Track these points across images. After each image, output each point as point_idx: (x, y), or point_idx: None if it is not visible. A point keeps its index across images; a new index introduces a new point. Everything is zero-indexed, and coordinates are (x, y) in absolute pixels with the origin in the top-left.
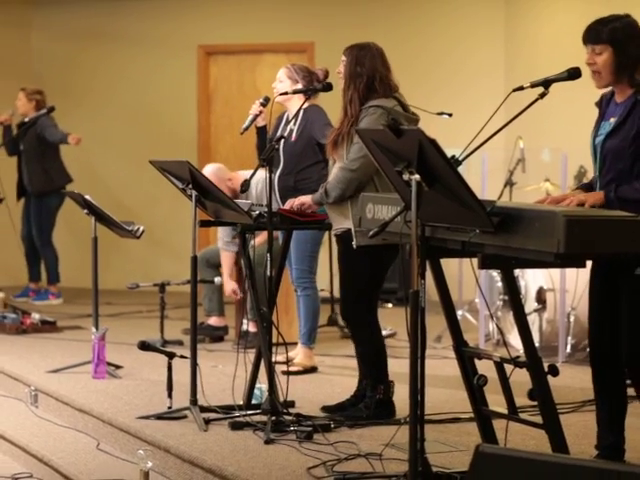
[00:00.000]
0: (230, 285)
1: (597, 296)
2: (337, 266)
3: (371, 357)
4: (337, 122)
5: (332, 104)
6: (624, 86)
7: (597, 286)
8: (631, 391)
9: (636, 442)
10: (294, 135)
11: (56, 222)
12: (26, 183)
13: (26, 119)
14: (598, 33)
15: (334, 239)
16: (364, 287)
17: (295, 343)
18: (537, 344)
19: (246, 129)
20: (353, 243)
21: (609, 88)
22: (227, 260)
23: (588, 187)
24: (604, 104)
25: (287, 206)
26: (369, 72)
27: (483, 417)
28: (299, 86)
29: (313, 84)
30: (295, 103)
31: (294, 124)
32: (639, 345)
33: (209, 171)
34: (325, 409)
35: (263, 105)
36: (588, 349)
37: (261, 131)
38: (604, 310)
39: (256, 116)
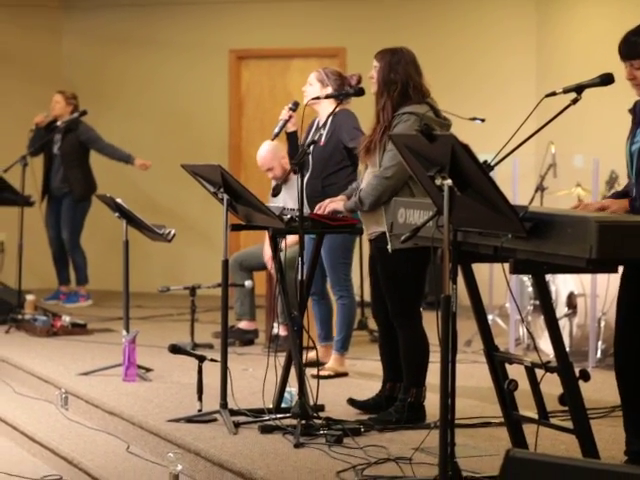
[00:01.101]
0: (268, 252)
1: (625, 303)
2: (368, 270)
3: (415, 359)
4: (369, 129)
5: (363, 109)
6: None
7: (625, 294)
8: None
9: None
10: (323, 139)
11: (88, 226)
12: (56, 186)
13: (58, 122)
14: (635, 46)
15: (365, 243)
16: (407, 288)
17: (313, 347)
18: (567, 349)
19: (277, 135)
20: (388, 247)
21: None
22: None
23: (621, 195)
24: (638, 110)
25: (319, 210)
26: (403, 79)
27: (513, 422)
28: (329, 90)
29: (344, 89)
30: (325, 108)
31: (324, 129)
32: None
33: (267, 146)
34: (351, 402)
35: (292, 110)
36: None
37: (291, 137)
38: (631, 318)
39: (286, 121)
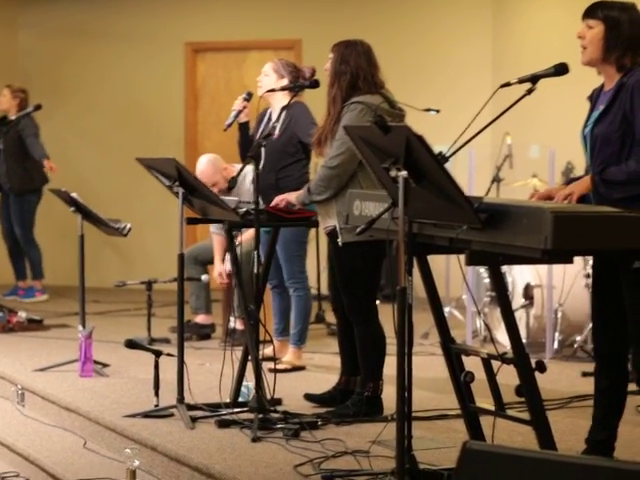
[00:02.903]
0: (219, 268)
1: (598, 291)
2: (327, 263)
3: (371, 352)
4: (321, 120)
5: (319, 101)
6: (611, 70)
7: (598, 281)
8: (631, 386)
9: (626, 438)
10: (277, 132)
11: (42, 220)
12: (3, 181)
13: (12, 117)
14: (595, 9)
15: (322, 236)
16: (362, 283)
17: (270, 341)
18: (524, 340)
19: (229, 125)
20: (338, 240)
21: (590, 81)
22: (218, 244)
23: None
24: (594, 97)
25: (274, 203)
26: (353, 70)
27: (470, 414)
28: (285, 81)
29: (299, 81)
30: (279, 99)
31: (277, 121)
32: None
33: (205, 160)
34: (308, 397)
35: (246, 100)
36: (577, 345)
37: (243, 127)
38: (605, 306)
39: (239, 112)
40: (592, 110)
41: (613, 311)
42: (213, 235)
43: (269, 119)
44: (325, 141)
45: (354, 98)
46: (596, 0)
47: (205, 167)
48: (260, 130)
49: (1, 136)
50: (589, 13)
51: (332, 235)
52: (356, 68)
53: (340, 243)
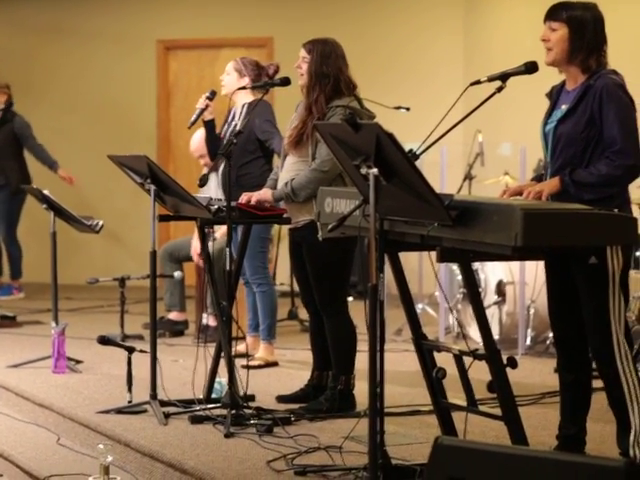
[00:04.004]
0: (196, 246)
1: (554, 289)
2: (290, 259)
3: (342, 347)
4: (298, 119)
5: (285, 97)
6: (575, 71)
7: (553, 279)
8: (597, 382)
9: (597, 433)
10: (238, 129)
11: None
12: None
13: None
14: (558, 11)
15: (291, 232)
16: (334, 277)
17: (243, 337)
18: (497, 337)
19: (193, 123)
20: (319, 235)
21: (559, 79)
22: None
23: (541, 178)
24: (554, 94)
25: (244, 199)
26: (335, 73)
27: (442, 409)
28: (246, 79)
29: (262, 78)
30: (242, 97)
31: (238, 118)
32: (601, 336)
33: (200, 136)
34: (280, 398)
35: (209, 99)
36: (549, 341)
37: (209, 125)
38: (563, 302)
39: (202, 110)
40: (553, 108)
41: (570, 307)
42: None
43: (233, 117)
44: (305, 141)
45: (338, 101)
46: (557, 1)
47: (199, 140)
48: (225, 128)
49: None
50: (552, 15)
51: (304, 229)
52: (337, 71)
53: (320, 238)
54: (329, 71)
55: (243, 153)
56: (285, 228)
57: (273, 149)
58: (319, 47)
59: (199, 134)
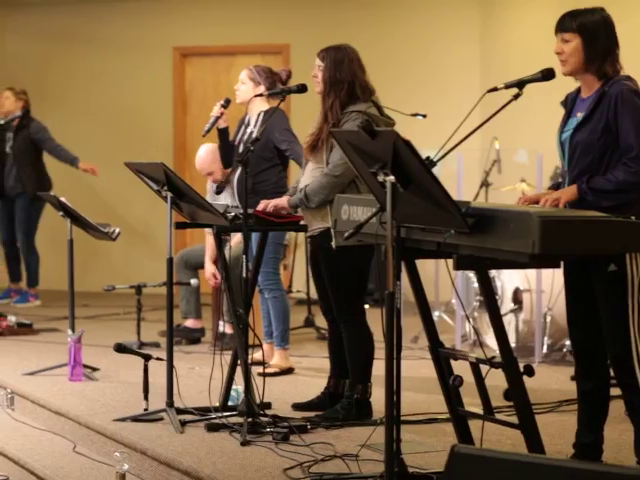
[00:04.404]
0: (210, 269)
1: (573, 296)
2: (310, 267)
3: (360, 355)
4: (315, 126)
5: (303, 104)
6: (591, 78)
7: (571, 286)
8: (614, 390)
9: (614, 442)
10: (254, 136)
11: None
12: (10, 186)
13: (2, 121)
14: (568, 22)
15: (309, 240)
16: (352, 285)
17: (259, 345)
18: (513, 344)
19: (208, 131)
20: (332, 243)
21: (575, 85)
22: (211, 243)
23: (559, 186)
24: (569, 102)
25: (261, 207)
26: (349, 78)
27: (459, 417)
28: (261, 87)
29: (276, 85)
30: (257, 105)
31: (254, 126)
32: (620, 344)
33: (205, 149)
34: (296, 406)
35: (224, 107)
36: (566, 349)
37: (223, 133)
38: (581, 309)
39: (217, 118)
40: (569, 116)
41: (588, 314)
42: (207, 235)
43: (247, 124)
44: (321, 147)
45: (353, 107)
46: (565, 13)
47: (205, 155)
48: (239, 135)
49: (7, 140)
50: (562, 26)
51: (321, 238)
52: (352, 76)
53: (334, 246)
54: (343, 77)
55: (260, 161)
56: (301, 235)
57: (290, 156)
58: (332, 54)
59: (204, 150)
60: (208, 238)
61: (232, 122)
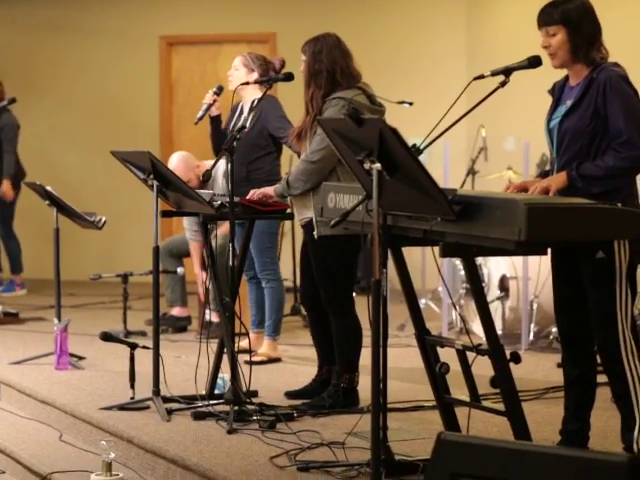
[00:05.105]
0: (202, 276)
1: (560, 283)
2: (300, 255)
3: (347, 344)
4: (299, 119)
5: (291, 94)
6: (580, 67)
7: (559, 273)
8: (601, 377)
9: (601, 428)
10: (248, 125)
11: (18, 214)
12: None
13: None
14: (551, 14)
15: (298, 228)
16: (338, 274)
17: (245, 333)
18: (500, 332)
19: (200, 119)
20: (314, 233)
21: (563, 74)
22: (196, 250)
23: (547, 174)
24: (557, 90)
25: (249, 196)
26: (328, 66)
27: (445, 405)
28: (255, 75)
29: (269, 73)
30: (251, 93)
31: (248, 114)
32: (607, 331)
33: (177, 158)
34: (289, 395)
35: (216, 94)
36: (552, 336)
37: (215, 121)
38: (569, 297)
39: (210, 105)
40: (557, 104)
41: (576, 301)
42: (190, 242)
43: (241, 112)
44: (304, 136)
45: (335, 94)
46: (545, 5)
47: (177, 164)
48: (232, 123)
49: None
50: (545, 20)
51: (308, 227)
52: (331, 63)
53: (316, 236)
54: (321, 67)
55: (254, 148)
56: (288, 224)
57: (286, 144)
58: (311, 46)
59: (175, 160)
60: (192, 245)
61: (223, 110)
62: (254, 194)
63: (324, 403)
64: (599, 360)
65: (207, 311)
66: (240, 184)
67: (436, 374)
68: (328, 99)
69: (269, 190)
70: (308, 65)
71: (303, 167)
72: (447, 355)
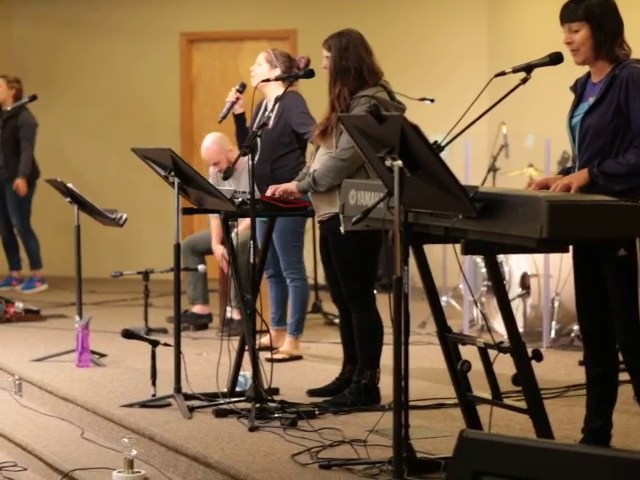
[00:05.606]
0: (219, 250)
1: (582, 281)
2: (320, 253)
3: (368, 341)
4: (322, 116)
5: (313, 91)
6: (603, 63)
7: (581, 271)
8: (622, 375)
9: (622, 427)
10: (271, 122)
11: (39, 211)
12: None
13: (9, 107)
14: (573, 11)
15: (318, 226)
16: (361, 270)
17: (266, 330)
18: (521, 329)
19: (224, 117)
20: (341, 228)
21: (584, 70)
22: (216, 225)
23: (569, 171)
24: (579, 87)
25: (269, 192)
26: (356, 64)
27: (467, 403)
28: (277, 71)
29: (292, 71)
30: (273, 90)
31: (271, 111)
32: (630, 329)
33: (211, 139)
34: (311, 393)
35: (239, 92)
36: (574, 334)
37: (239, 118)
38: (591, 295)
39: (233, 103)
40: (579, 101)
41: (597, 299)
42: (212, 218)
43: (264, 110)
44: (330, 132)
45: (363, 92)
46: (568, 1)
47: (210, 145)
48: (256, 121)
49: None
50: (568, 16)
51: (330, 223)
52: (358, 61)
53: (342, 231)
54: (349, 64)
55: (278, 146)
56: (309, 221)
57: (309, 140)
58: (336, 42)
59: (210, 139)
60: (213, 221)
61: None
62: (275, 190)
63: (345, 401)
64: (621, 358)
65: (228, 308)
66: (264, 181)
67: (458, 372)
68: (355, 97)
69: (291, 186)
70: (334, 62)
71: (332, 164)
72: (469, 353)
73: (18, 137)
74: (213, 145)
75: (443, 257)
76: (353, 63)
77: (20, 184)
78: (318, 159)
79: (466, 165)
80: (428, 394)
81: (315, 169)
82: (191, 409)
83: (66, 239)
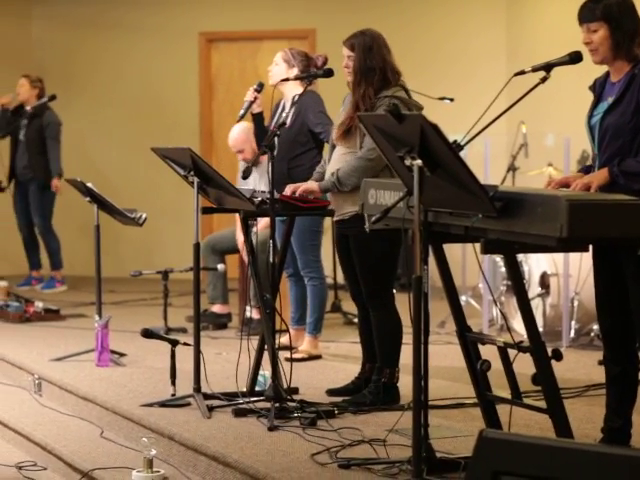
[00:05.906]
0: (241, 237)
1: (602, 280)
2: (337, 251)
3: (388, 340)
4: (345, 115)
5: (331, 90)
6: (622, 63)
7: (601, 270)
8: None
9: None
10: (288, 121)
11: (59, 210)
12: (21, 172)
13: (28, 107)
14: (592, 11)
15: (338, 224)
16: (382, 269)
17: (286, 330)
18: (541, 329)
19: (242, 117)
20: (365, 227)
21: (603, 70)
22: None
23: (589, 170)
24: (598, 87)
25: (288, 191)
26: (380, 64)
27: (487, 402)
28: (295, 70)
29: (310, 69)
30: (291, 89)
31: (289, 110)
32: None
33: (239, 128)
34: (331, 392)
35: (257, 91)
36: (594, 333)
37: (258, 118)
38: (611, 294)
39: (251, 103)
40: (598, 100)
41: (618, 298)
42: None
43: (283, 109)
44: (354, 132)
45: (386, 92)
46: (586, 1)
47: (238, 133)
48: (274, 120)
49: (21, 127)
50: (586, 16)
51: (352, 222)
52: (382, 62)
53: (367, 229)
54: (374, 64)
55: (294, 145)
56: (328, 220)
57: (325, 140)
58: (360, 41)
59: (238, 128)
60: (239, 220)
61: (265, 107)
62: (294, 189)
63: (365, 400)
64: None
65: (248, 308)
66: (281, 180)
67: (477, 371)
68: (379, 97)
69: (312, 185)
70: (359, 62)
71: (357, 164)
72: (488, 352)
73: (44, 136)
74: (241, 134)
75: (463, 256)
76: (377, 63)
77: (57, 183)
78: (338, 158)
79: (485, 164)
80: (447, 394)
81: (338, 168)
82: (210, 408)
83: (88, 240)
